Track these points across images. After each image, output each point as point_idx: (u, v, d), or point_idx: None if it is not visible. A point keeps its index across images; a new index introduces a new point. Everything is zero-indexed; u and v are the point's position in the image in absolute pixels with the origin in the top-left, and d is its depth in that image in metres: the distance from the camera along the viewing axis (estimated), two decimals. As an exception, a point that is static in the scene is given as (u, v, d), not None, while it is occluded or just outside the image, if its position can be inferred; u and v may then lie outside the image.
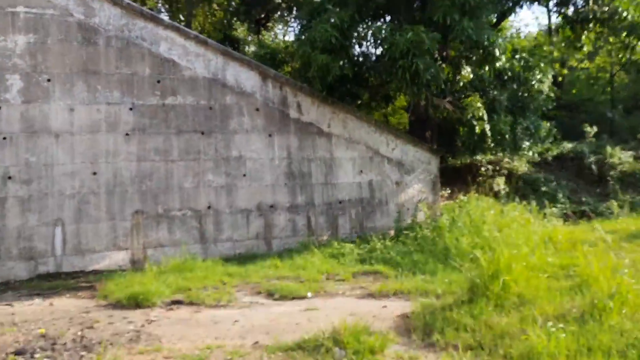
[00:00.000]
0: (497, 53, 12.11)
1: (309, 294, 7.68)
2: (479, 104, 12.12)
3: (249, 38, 24.76)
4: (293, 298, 7.53)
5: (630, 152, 16.18)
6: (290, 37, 25.38)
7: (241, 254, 10.81)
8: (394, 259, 9.48)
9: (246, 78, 11.40)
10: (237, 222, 11.05)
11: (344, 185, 12.12)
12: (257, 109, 11.43)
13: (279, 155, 11.53)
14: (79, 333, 6.09)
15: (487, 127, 12.38)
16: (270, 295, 7.76)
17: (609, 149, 16.05)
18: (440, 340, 5.08)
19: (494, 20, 15.03)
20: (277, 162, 11.51)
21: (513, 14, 17.57)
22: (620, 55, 17.83)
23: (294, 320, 6.31)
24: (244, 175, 11.19)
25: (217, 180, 10.96)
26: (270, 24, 24.82)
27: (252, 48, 23.16)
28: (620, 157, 15.85)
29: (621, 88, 20.75)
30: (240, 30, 24.15)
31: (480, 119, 12.24)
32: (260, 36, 24.00)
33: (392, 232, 11.75)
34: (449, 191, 14.14)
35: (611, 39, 18.05)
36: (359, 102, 15.35)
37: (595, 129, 16.94)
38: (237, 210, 11.07)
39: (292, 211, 11.55)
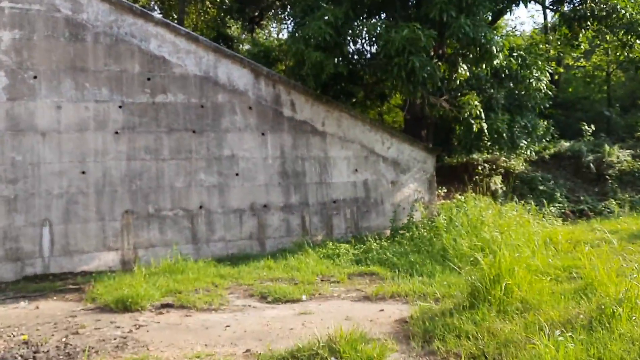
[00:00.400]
0: (495, 51, 11.89)
1: (304, 297, 7.45)
2: (476, 102, 11.91)
3: (243, 36, 24.51)
4: (287, 301, 7.29)
5: (628, 151, 16.02)
6: (284, 36, 25.17)
7: (234, 255, 10.57)
8: (390, 259, 9.26)
9: (238, 76, 11.15)
10: (230, 222, 10.80)
11: (339, 184, 11.89)
12: (250, 107, 11.19)
13: (273, 154, 11.29)
14: (63, 339, 5.84)
15: (485, 125, 12.18)
16: (263, 298, 7.52)
17: (607, 147, 15.88)
18: (442, 349, 4.85)
19: (490, 18, 14.82)
20: (270, 161, 11.26)
21: (509, 12, 17.37)
22: (618, 54, 17.65)
23: (287, 326, 6.08)
24: (237, 174, 10.94)
25: (209, 180, 10.70)
26: (264, 22, 24.57)
27: (246, 46, 22.92)
28: (619, 155, 15.70)
29: (618, 86, 20.62)
30: (234, 29, 23.89)
31: (478, 117, 12.03)
32: (254, 34, 23.74)
33: (387, 232, 11.54)
34: (446, 190, 13.94)
35: (608, 37, 17.91)
36: (354, 100, 15.13)
37: (592, 127, 16.78)
38: (230, 210, 10.83)
39: (285, 211, 11.31)
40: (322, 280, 8.50)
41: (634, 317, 4.80)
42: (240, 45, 23.41)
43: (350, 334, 4.97)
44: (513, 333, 4.80)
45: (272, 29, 26.42)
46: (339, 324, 5.26)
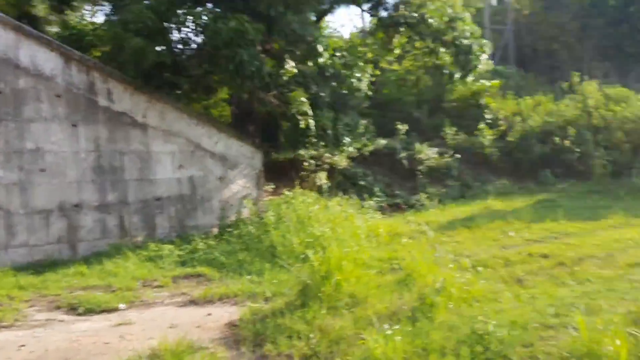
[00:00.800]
0: (320, 49, 12.16)
1: (122, 306, 6.77)
2: (303, 99, 12.05)
3: (52, 17, 22.04)
4: (102, 311, 6.56)
5: (435, 149, 17.58)
6: (100, 19, 23.17)
7: (40, 261, 9.29)
8: (218, 259, 8.91)
9: (45, 59, 9.86)
10: (34, 224, 9.51)
11: (162, 181, 11.17)
12: (59, 95, 9.96)
13: (86, 147, 10.19)
14: None
15: (311, 122, 12.39)
16: (73, 309, 6.67)
17: (417, 145, 17.26)
18: (273, 351, 4.68)
19: (314, 18, 15.16)
20: (83, 156, 10.15)
21: (331, 13, 18.04)
22: (426, 59, 19.29)
23: (102, 340, 5.42)
24: (43, 170, 9.66)
25: (9, 176, 9.30)
26: (75, 3, 22.32)
27: (55, 29, 20.63)
28: (427, 153, 17.15)
29: (426, 90, 22.51)
30: (41, 8, 21.34)
31: (305, 113, 12.18)
32: (64, 16, 21.47)
33: (215, 231, 11.15)
34: (274, 186, 13.94)
35: (418, 44, 19.49)
36: (179, 92, 14.38)
37: (405, 126, 18.10)
38: (34, 210, 9.53)
39: (101, 210, 10.30)
40: (143, 286, 7.85)
41: (450, 305, 5.11)
42: (48, 27, 21.00)
43: (176, 344, 4.57)
44: (343, 329, 4.80)
45: (85, 11, 24.16)
46: (163, 334, 4.81)
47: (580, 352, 4.36)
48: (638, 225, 10.19)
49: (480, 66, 18.23)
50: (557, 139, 17.58)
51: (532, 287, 6.61)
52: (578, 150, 17.24)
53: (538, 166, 17.46)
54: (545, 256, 8.21)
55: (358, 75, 14.28)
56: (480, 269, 7.29)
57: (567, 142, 17.39)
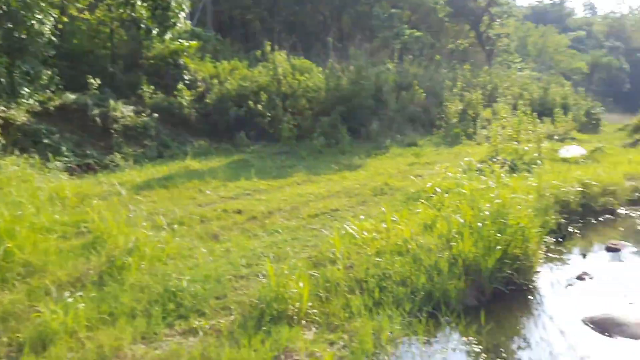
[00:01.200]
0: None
1: None
2: (-36, 37, 9.94)
3: None
4: None
5: (131, 107, 16.61)
6: None
7: None
8: None
9: None
10: None
11: None
12: None
13: None
14: None
15: (-23, 66, 10.36)
16: None
17: (112, 102, 16.04)
18: None
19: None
20: None
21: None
22: (121, 11, 18.08)
23: None
24: None
25: None
26: None
27: None
28: (123, 111, 16.10)
29: (121, 44, 21.08)
30: None
31: (-34, 55, 10.11)
32: None
33: None
34: None
35: (111, -6, 18.09)
36: None
37: (98, 81, 16.66)
38: None
39: None
40: None
41: (142, 266, 4.83)
42: None
43: None
44: (14, 303, 4.10)
45: None
46: None
47: (269, 297, 4.61)
48: (317, 181, 11.45)
49: (179, 24, 17.89)
50: (251, 103, 18.50)
51: (226, 242, 6.78)
52: (269, 114, 18.48)
53: (234, 128, 18.16)
54: (239, 212, 8.54)
55: (39, 17, 12.46)
56: (175, 226, 7.16)
57: (259, 107, 18.46)
